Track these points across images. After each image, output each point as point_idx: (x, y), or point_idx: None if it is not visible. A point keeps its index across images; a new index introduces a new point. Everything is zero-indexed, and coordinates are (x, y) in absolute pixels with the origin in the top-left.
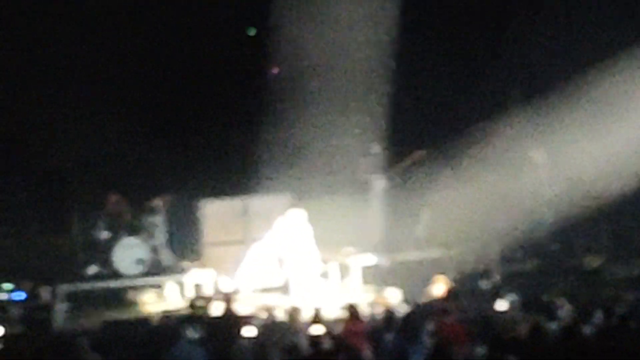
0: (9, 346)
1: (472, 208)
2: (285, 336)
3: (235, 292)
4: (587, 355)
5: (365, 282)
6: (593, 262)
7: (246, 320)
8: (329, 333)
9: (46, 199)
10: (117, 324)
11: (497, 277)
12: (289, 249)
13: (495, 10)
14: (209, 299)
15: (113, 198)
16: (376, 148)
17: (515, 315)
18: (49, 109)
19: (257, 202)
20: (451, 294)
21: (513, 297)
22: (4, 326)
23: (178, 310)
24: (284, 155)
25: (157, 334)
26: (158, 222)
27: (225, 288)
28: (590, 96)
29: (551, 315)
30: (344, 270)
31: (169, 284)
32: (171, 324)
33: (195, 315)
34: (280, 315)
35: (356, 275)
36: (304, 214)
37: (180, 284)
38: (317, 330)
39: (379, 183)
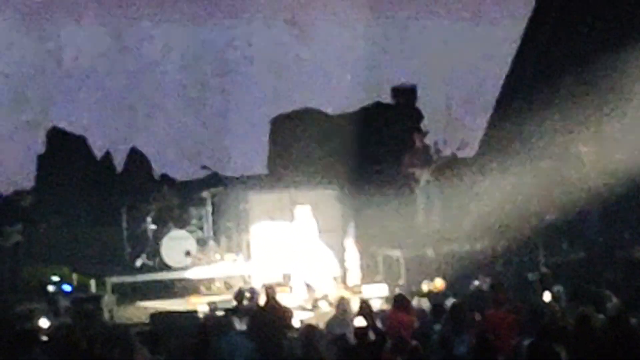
0: (59, 337)
1: (519, 201)
2: (332, 327)
3: (281, 284)
4: (635, 346)
5: (411, 274)
6: (636, 252)
7: (292, 311)
8: (374, 324)
9: (96, 192)
10: (164, 315)
11: (544, 269)
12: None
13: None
14: (254, 291)
15: (162, 191)
16: (422, 141)
17: (562, 306)
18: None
19: (304, 195)
20: (499, 286)
21: (559, 288)
22: (53, 318)
23: (225, 302)
24: (331, 149)
25: (204, 326)
26: (205, 214)
27: (271, 280)
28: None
29: (598, 306)
30: (390, 262)
31: (216, 276)
32: (218, 315)
33: (242, 307)
34: (326, 306)
35: (401, 267)
36: (308, 210)
37: (227, 276)
38: (362, 322)
39: (425, 176)
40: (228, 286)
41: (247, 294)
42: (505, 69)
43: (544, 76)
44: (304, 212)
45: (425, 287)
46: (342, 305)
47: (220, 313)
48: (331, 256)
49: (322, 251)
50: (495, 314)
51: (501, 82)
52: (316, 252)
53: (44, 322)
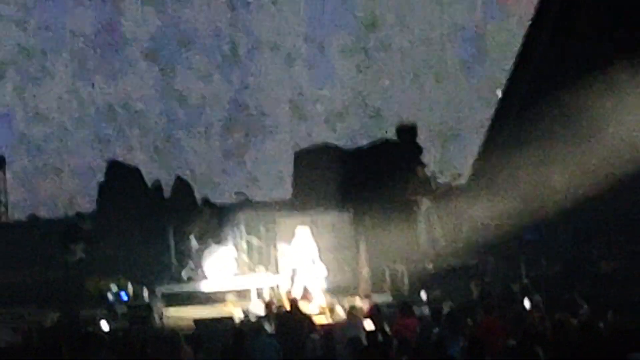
0: (117, 339)
1: (504, 222)
2: (346, 330)
3: (303, 294)
4: (603, 346)
5: (413, 285)
6: (607, 267)
7: (312, 317)
8: (383, 328)
9: (148, 215)
10: (206, 321)
11: (525, 280)
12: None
13: None
14: (281, 300)
15: (203, 213)
16: (423, 172)
17: (541, 313)
18: None
19: (323, 218)
20: (488, 295)
21: (538, 297)
22: (112, 322)
23: (256, 310)
24: (345, 178)
25: (240, 330)
26: (240, 233)
27: (295, 291)
28: None
29: (572, 312)
30: (395, 274)
31: (249, 287)
32: (251, 321)
33: (271, 314)
34: (341, 312)
35: (405, 279)
36: (307, 231)
37: (258, 287)
38: (372, 325)
39: (426, 203)
40: (259, 295)
41: (275, 302)
42: (491, 111)
43: (525, 116)
44: (303, 232)
45: (423, 295)
46: (354, 311)
47: (253, 318)
48: (342, 268)
49: (321, 266)
50: (485, 320)
51: (488, 121)
52: (314, 266)
53: (104, 326)
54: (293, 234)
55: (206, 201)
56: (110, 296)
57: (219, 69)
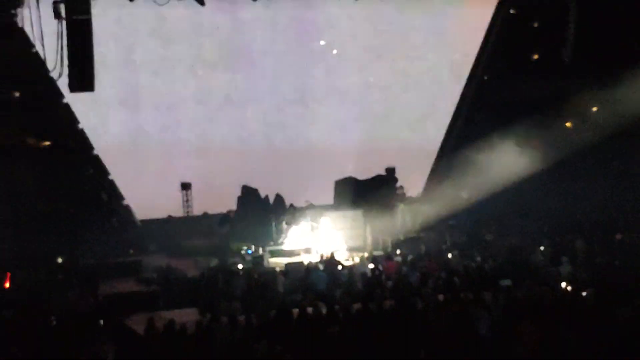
0: (245, 271)
1: (447, 214)
2: (358, 268)
3: (335, 251)
4: (487, 276)
5: (393, 246)
6: (489, 237)
7: (341, 261)
8: (378, 267)
9: (262, 213)
10: (291, 264)
11: (448, 244)
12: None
13: None
14: (326, 254)
15: (290, 211)
16: (401, 190)
17: (456, 260)
18: None
19: (345, 214)
20: (430, 254)
21: (455, 252)
22: (243, 264)
23: (314, 258)
24: (359, 194)
25: (307, 268)
26: (307, 221)
27: (333, 249)
28: None
29: (472, 260)
30: (386, 242)
31: (311, 247)
32: (313, 263)
33: (322, 260)
34: (357, 260)
35: (389, 244)
36: (340, 219)
37: (316, 247)
38: (372, 265)
39: (401, 206)
40: (316, 252)
41: (324, 257)
42: (434, 155)
43: (450, 161)
44: (326, 220)
45: (397, 251)
46: (363, 259)
47: (313, 262)
48: (357, 238)
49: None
50: (428, 263)
51: (432, 160)
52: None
53: (240, 266)
54: (333, 221)
55: (291, 205)
56: (242, 252)
57: None
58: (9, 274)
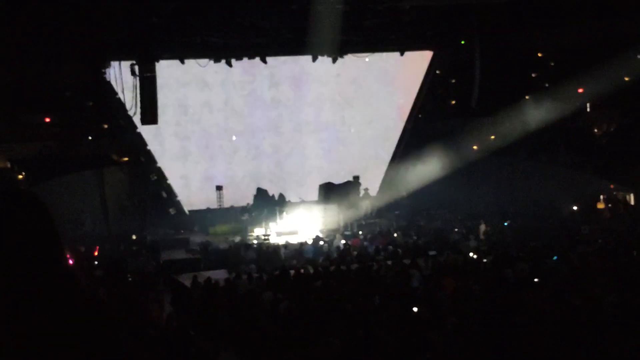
0: (258, 246)
1: (390, 205)
2: (333, 243)
3: (318, 233)
4: (420, 248)
5: (357, 228)
6: (424, 222)
7: (323, 239)
8: (348, 244)
9: (271, 204)
10: (289, 241)
11: (394, 226)
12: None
13: None
14: (312, 234)
15: (287, 204)
16: (369, 192)
17: (401, 238)
18: None
19: (328, 207)
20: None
21: (399, 232)
22: (256, 240)
23: (306, 237)
24: (336, 194)
25: (300, 243)
26: (299, 211)
27: (316, 231)
28: None
29: (411, 237)
30: (352, 224)
31: (304, 229)
32: (305, 240)
33: (309, 238)
34: (333, 238)
35: (355, 226)
36: (321, 211)
37: (307, 229)
38: (343, 241)
39: (364, 201)
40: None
41: (312, 235)
42: (387, 162)
43: (405, 158)
44: (312, 210)
45: (361, 232)
46: (337, 237)
47: (304, 239)
48: (333, 223)
49: (323, 221)
50: (382, 240)
51: (386, 165)
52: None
53: (255, 242)
54: (317, 212)
55: (288, 200)
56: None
57: None
58: (97, 247)
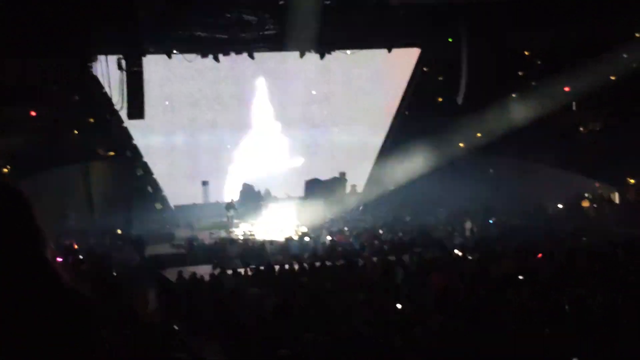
0: (245, 242)
1: (374, 200)
2: (318, 238)
3: (304, 228)
4: (404, 245)
5: (343, 224)
6: (407, 216)
7: (307, 233)
8: (334, 240)
9: (252, 201)
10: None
11: (380, 223)
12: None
13: None
14: (297, 229)
15: (274, 199)
16: (356, 188)
17: (386, 234)
18: None
19: (312, 203)
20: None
21: (385, 229)
22: (241, 236)
23: (291, 233)
24: (322, 191)
25: (286, 239)
26: (284, 206)
27: (300, 227)
28: None
29: (396, 233)
30: (334, 219)
31: (289, 227)
32: (289, 235)
33: (295, 234)
34: (317, 232)
35: (341, 222)
36: (306, 207)
37: (291, 224)
38: (328, 237)
39: (350, 196)
40: (291, 227)
41: (295, 230)
42: (372, 161)
43: (392, 155)
44: (298, 206)
45: (346, 228)
46: (322, 232)
47: (289, 235)
48: (319, 218)
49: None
50: (367, 237)
51: (371, 164)
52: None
53: (240, 237)
54: (304, 208)
55: (274, 196)
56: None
57: None
58: (73, 242)
